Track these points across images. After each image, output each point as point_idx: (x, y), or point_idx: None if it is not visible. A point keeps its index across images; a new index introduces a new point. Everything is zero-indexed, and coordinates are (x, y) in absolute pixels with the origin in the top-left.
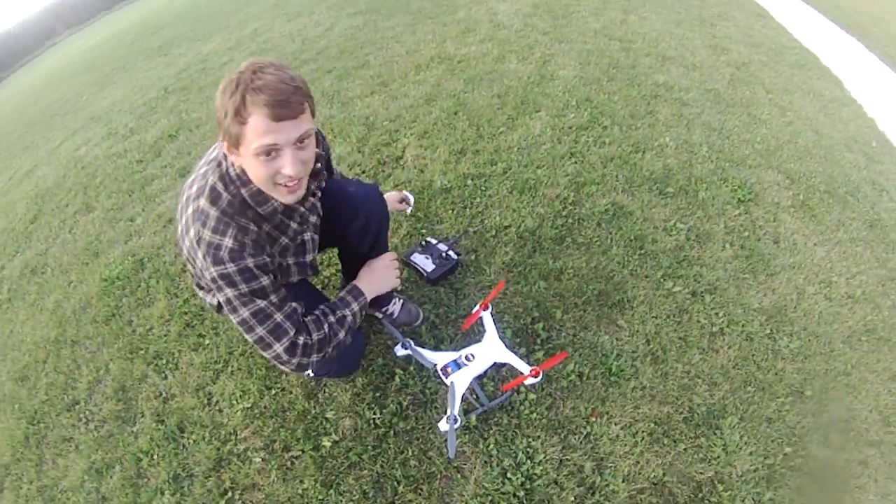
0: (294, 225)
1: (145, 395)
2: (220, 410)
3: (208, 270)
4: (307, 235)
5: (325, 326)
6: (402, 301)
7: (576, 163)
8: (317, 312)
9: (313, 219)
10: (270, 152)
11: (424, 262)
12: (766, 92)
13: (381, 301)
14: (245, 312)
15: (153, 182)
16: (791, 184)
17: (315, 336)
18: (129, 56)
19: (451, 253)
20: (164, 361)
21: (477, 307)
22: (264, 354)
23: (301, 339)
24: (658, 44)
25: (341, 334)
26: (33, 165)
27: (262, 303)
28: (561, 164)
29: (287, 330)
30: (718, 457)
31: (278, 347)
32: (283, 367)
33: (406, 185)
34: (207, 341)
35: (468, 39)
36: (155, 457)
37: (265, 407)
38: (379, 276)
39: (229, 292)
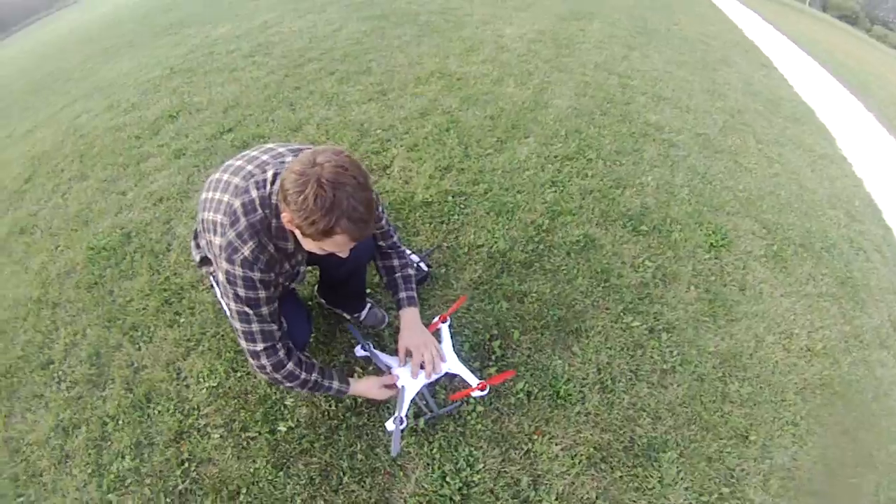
0: (299, 257)
1: (118, 364)
2: (187, 386)
3: (220, 258)
4: (303, 268)
5: (301, 380)
6: (370, 305)
7: (556, 191)
8: (310, 375)
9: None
10: None
11: None
12: (756, 141)
13: (355, 307)
14: (233, 306)
15: (148, 160)
16: (767, 234)
17: (281, 373)
18: (137, 30)
19: (422, 265)
20: (139, 333)
21: (436, 319)
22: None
23: (263, 358)
24: (656, 83)
25: (305, 389)
26: (33, 126)
27: (249, 310)
28: (541, 192)
29: (256, 341)
30: (653, 488)
31: (243, 344)
32: None
33: (389, 194)
34: (183, 319)
35: (471, 58)
36: (120, 422)
37: (229, 388)
38: (374, 392)
39: (228, 288)
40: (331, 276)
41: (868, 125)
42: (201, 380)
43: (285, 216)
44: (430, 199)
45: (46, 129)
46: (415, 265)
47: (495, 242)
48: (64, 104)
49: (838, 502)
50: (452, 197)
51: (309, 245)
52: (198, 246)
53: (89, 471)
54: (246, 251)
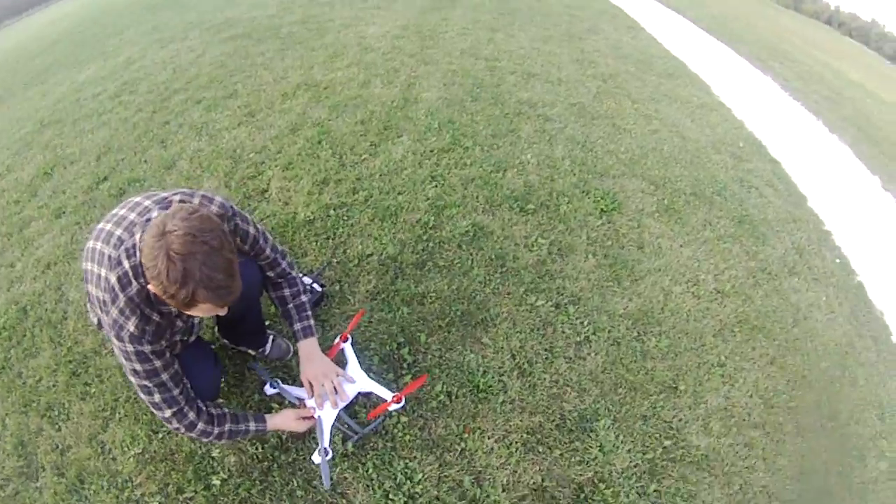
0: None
1: (43, 449)
2: (114, 458)
3: (110, 335)
4: (196, 320)
5: (214, 434)
6: (272, 337)
7: (436, 186)
8: (222, 426)
9: None
10: None
11: None
12: (632, 102)
13: (258, 342)
14: (133, 380)
15: (31, 224)
16: (655, 190)
17: (194, 432)
18: (8, 83)
19: (315, 285)
20: (56, 413)
21: (337, 339)
22: None
23: (174, 422)
24: (524, 61)
25: (223, 440)
26: None
27: (149, 382)
28: (422, 189)
29: (162, 409)
30: (596, 457)
31: (155, 412)
32: None
33: (271, 218)
34: (93, 389)
35: (335, 64)
36: None
37: (155, 451)
38: (293, 424)
39: (125, 364)
40: (225, 317)
41: (741, 70)
42: (126, 449)
43: (150, 287)
44: (311, 217)
45: None
46: (308, 288)
47: (384, 249)
48: None
49: (782, 427)
50: (334, 210)
51: (184, 312)
52: (94, 310)
53: None
54: (131, 327)
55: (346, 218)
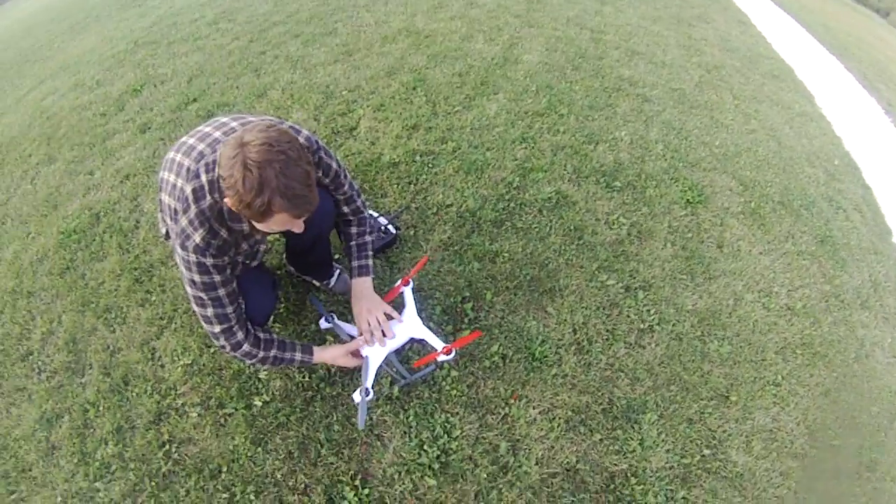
0: (257, 236)
1: (94, 348)
2: (162, 366)
3: (175, 244)
4: (262, 246)
5: (259, 357)
6: (338, 271)
7: (526, 148)
8: (268, 352)
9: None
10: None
11: None
12: (733, 98)
13: (324, 274)
14: (189, 290)
15: (114, 136)
16: (744, 190)
17: (239, 352)
18: (104, 4)
19: (390, 227)
20: (112, 315)
21: (398, 282)
22: None
23: (221, 339)
24: (630, 38)
25: (266, 365)
26: (0, 112)
27: (204, 295)
28: (511, 148)
29: (213, 323)
30: (634, 450)
31: (205, 325)
32: None
33: (356, 156)
34: (154, 298)
35: (439, 15)
36: (101, 408)
37: (203, 365)
38: (341, 360)
39: (185, 273)
40: (295, 245)
41: (847, 85)
42: (176, 358)
43: (227, 200)
44: (397, 160)
45: (14, 115)
46: (381, 229)
47: (465, 202)
48: (31, 86)
49: (820, 464)
50: (420, 156)
51: (259, 226)
52: (164, 220)
53: (75, 460)
54: (197, 238)
55: (430, 166)
